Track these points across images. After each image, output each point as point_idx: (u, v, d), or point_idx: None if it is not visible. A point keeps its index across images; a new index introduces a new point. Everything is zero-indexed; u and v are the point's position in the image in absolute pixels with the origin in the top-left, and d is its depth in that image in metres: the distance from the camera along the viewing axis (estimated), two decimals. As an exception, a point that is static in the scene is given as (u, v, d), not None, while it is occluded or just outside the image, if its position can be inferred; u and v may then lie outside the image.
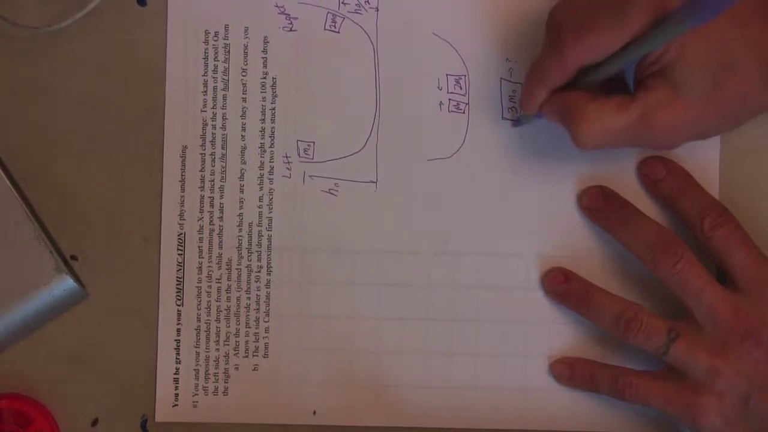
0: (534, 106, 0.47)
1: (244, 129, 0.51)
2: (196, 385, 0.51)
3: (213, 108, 0.51)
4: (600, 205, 0.50)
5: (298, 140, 0.51)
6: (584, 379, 0.50)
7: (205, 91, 0.51)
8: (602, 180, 0.51)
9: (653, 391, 0.48)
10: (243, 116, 0.51)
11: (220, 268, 0.51)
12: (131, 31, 0.50)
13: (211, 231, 0.51)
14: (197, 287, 0.51)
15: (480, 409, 0.51)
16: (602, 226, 0.50)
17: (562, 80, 0.45)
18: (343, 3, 0.50)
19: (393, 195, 0.51)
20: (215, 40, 0.50)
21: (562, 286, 0.50)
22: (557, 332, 0.51)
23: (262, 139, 0.51)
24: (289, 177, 0.51)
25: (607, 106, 0.45)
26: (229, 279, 0.51)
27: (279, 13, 0.50)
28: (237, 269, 0.51)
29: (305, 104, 0.51)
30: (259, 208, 0.51)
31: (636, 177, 0.51)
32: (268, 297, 0.51)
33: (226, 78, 0.51)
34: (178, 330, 0.51)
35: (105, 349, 0.51)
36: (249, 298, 0.51)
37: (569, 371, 0.51)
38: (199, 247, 0.51)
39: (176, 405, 0.51)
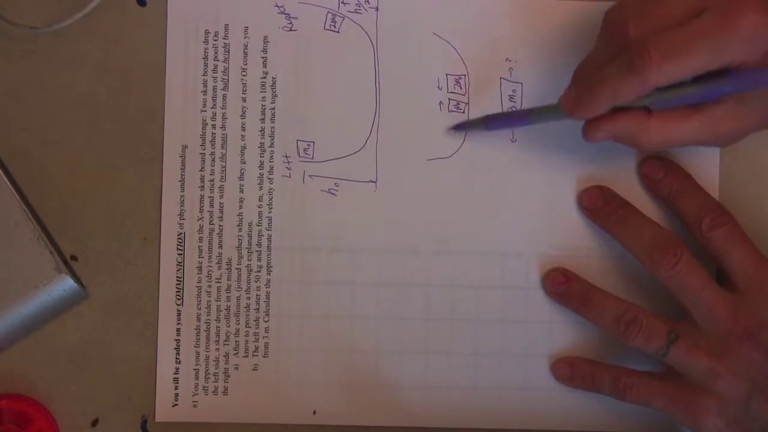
0: (590, 115, 0.45)
1: (244, 129, 0.51)
2: (196, 385, 0.51)
3: (213, 108, 0.51)
4: (600, 205, 0.50)
5: (298, 140, 0.51)
6: (585, 379, 0.50)
7: (205, 91, 0.51)
8: (602, 180, 0.51)
9: (654, 391, 0.48)
10: (243, 116, 0.51)
11: (220, 268, 0.51)
12: (131, 31, 0.50)
13: (211, 231, 0.51)
14: (197, 287, 0.51)
15: (480, 409, 0.51)
16: (602, 226, 0.50)
17: (633, 100, 0.44)
18: (343, 3, 0.50)
19: (393, 195, 0.51)
20: (215, 40, 0.51)
21: (563, 286, 0.50)
22: (557, 332, 0.51)
23: (262, 138, 0.51)
24: (289, 177, 0.51)
25: (671, 120, 0.45)
26: (229, 279, 0.51)
27: (279, 13, 0.50)
28: (237, 269, 0.51)
29: (305, 104, 0.51)
30: (259, 207, 0.51)
31: (636, 177, 0.51)
32: (268, 297, 0.51)
33: (225, 78, 0.51)
34: (178, 330, 0.51)
35: (105, 349, 0.51)
36: (249, 298, 0.51)
37: (570, 371, 0.51)
38: (199, 247, 0.51)
39: (176, 405, 0.51)
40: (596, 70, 0.44)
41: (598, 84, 0.44)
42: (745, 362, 0.46)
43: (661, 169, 0.50)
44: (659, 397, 0.48)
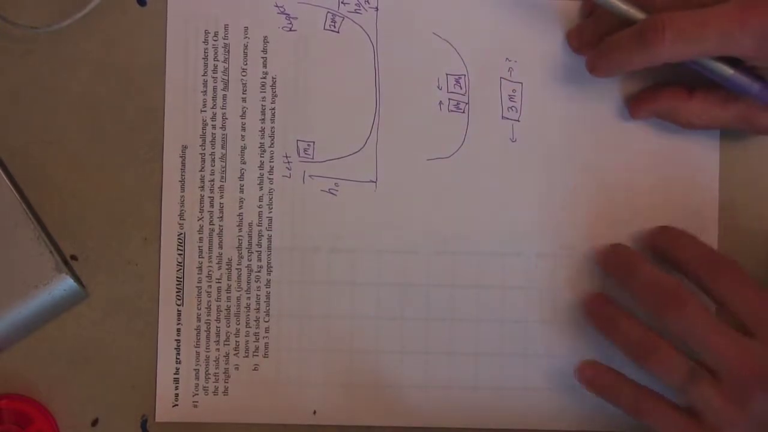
0: (606, 76, 0.48)
1: (244, 129, 0.51)
2: (196, 385, 0.51)
3: (213, 108, 0.51)
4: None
5: (298, 140, 0.51)
6: (606, 388, 0.49)
7: (205, 91, 0.51)
8: (602, 179, 0.51)
9: (672, 423, 0.46)
10: (243, 116, 0.51)
11: (220, 268, 0.51)
12: (131, 31, 0.50)
13: (211, 231, 0.51)
14: (197, 287, 0.51)
15: (480, 409, 0.51)
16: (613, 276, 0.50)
17: (642, 69, 0.46)
18: (342, 3, 0.50)
19: (393, 195, 0.51)
20: (215, 40, 0.51)
21: (595, 306, 0.50)
22: (557, 332, 0.51)
23: (262, 138, 0.51)
24: (289, 177, 0.51)
25: (710, 104, 0.48)
26: (229, 279, 0.51)
27: (279, 13, 0.51)
28: (237, 269, 0.51)
29: (305, 104, 0.51)
30: (259, 208, 0.51)
31: (636, 176, 0.51)
32: (268, 297, 0.51)
33: (225, 78, 0.51)
34: (178, 330, 0.51)
35: (105, 349, 0.51)
36: (249, 298, 0.51)
37: (593, 376, 0.49)
38: (199, 247, 0.51)
39: (176, 405, 0.51)
40: (613, 35, 0.46)
41: (612, 50, 0.46)
42: (762, 411, 0.45)
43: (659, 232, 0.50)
44: (675, 430, 0.46)
